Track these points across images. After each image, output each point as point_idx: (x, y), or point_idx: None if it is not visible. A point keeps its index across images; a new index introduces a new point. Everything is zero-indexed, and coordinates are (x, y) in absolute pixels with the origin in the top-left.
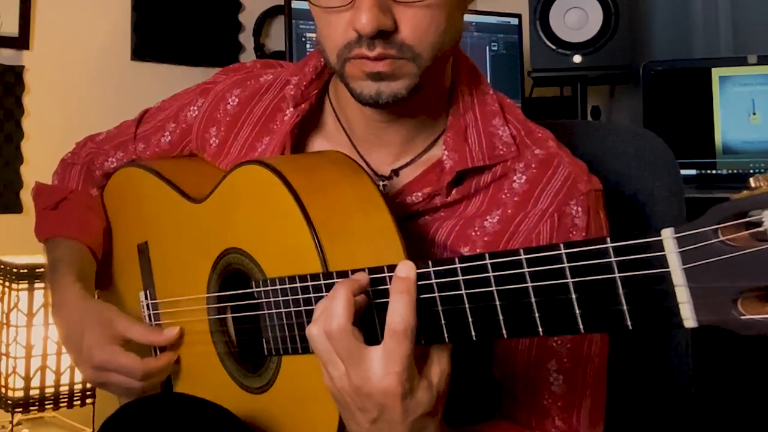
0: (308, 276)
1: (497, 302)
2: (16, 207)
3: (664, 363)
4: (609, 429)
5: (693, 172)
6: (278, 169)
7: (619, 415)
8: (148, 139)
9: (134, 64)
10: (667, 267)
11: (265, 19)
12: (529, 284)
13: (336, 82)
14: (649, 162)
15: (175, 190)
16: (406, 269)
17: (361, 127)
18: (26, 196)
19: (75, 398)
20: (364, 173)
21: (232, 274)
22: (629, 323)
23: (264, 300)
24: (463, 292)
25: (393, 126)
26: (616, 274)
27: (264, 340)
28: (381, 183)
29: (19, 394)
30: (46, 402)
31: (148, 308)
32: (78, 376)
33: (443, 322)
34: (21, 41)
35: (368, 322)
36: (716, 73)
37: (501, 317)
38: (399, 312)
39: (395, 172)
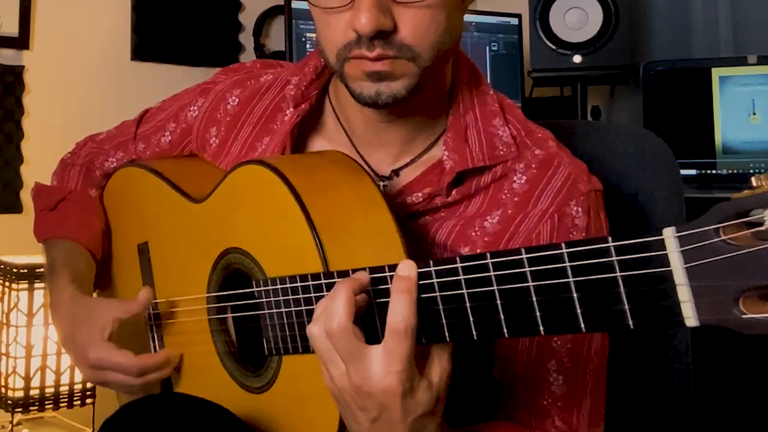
0: (309, 276)
1: (498, 301)
2: (16, 207)
3: (664, 363)
4: (609, 429)
5: (693, 172)
6: (279, 168)
7: (619, 415)
8: (149, 139)
9: (134, 64)
10: (669, 266)
11: (265, 19)
12: (531, 283)
13: (336, 82)
14: (649, 162)
15: (175, 189)
16: (407, 268)
17: (361, 128)
18: (26, 196)
19: (75, 398)
20: (365, 173)
21: (233, 273)
22: (630, 322)
23: (264, 300)
24: (464, 291)
25: (393, 126)
26: (618, 274)
27: (264, 340)
28: (381, 183)
29: (19, 394)
30: (46, 402)
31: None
32: (78, 376)
33: (444, 321)
34: (21, 41)
35: (369, 321)
36: (716, 73)
37: (502, 316)
38: (400, 311)
39: (395, 173)
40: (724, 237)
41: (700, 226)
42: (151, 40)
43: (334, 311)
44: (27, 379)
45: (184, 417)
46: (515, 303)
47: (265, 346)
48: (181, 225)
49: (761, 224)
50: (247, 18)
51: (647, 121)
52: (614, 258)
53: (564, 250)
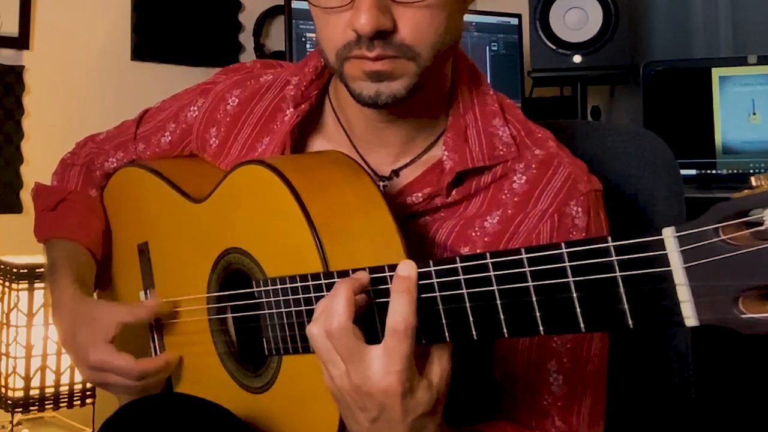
0: (309, 276)
1: (498, 301)
2: (16, 207)
3: (664, 363)
4: (609, 429)
5: (693, 172)
6: (279, 168)
7: (619, 415)
8: (149, 140)
9: (134, 64)
10: (668, 266)
11: (265, 19)
12: (530, 283)
13: (336, 82)
14: (649, 162)
15: (175, 190)
16: (407, 268)
17: (361, 128)
18: (26, 196)
19: (75, 398)
20: (365, 173)
21: (233, 273)
22: (630, 322)
23: (264, 300)
24: (464, 291)
25: (393, 126)
26: (617, 273)
27: (264, 340)
28: (381, 183)
29: (19, 394)
30: (46, 402)
31: None
32: (78, 376)
33: (444, 321)
34: (21, 41)
35: (369, 321)
36: (716, 73)
37: (502, 316)
38: (400, 311)
39: (395, 173)
40: (723, 237)
41: (700, 226)
42: (151, 40)
43: (333, 311)
44: (27, 379)
45: (184, 417)
46: (515, 303)
47: (265, 346)
48: (181, 225)
49: (761, 224)
50: (247, 18)
51: (647, 121)
52: (614, 258)
53: (564, 250)
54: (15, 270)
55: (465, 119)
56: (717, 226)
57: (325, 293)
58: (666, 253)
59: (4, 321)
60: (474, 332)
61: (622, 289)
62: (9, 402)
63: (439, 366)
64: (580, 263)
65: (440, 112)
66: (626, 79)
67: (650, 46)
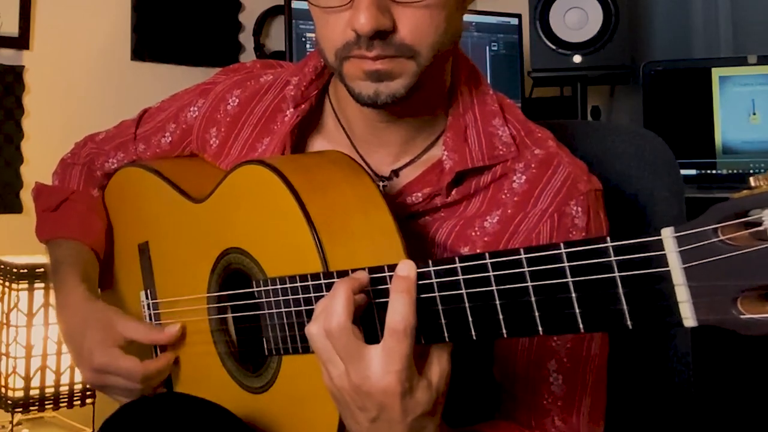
0: (308, 276)
1: (497, 301)
2: (16, 207)
3: (664, 363)
4: (609, 429)
5: (693, 172)
6: (279, 168)
7: (619, 415)
8: (149, 140)
9: (134, 64)
10: (667, 266)
11: (265, 19)
12: (529, 283)
13: (336, 82)
14: (649, 162)
15: (175, 190)
16: (407, 268)
17: (360, 128)
18: (26, 196)
19: (75, 398)
20: (365, 173)
21: (233, 273)
22: (629, 322)
23: (264, 300)
24: (463, 291)
25: (392, 126)
26: (616, 274)
27: (264, 340)
28: (381, 183)
29: (19, 394)
30: (46, 402)
31: (148, 308)
32: (78, 376)
33: (443, 321)
34: (21, 41)
35: (368, 321)
36: (716, 73)
37: (501, 316)
38: (399, 311)
39: (395, 173)
40: (722, 237)
41: (699, 226)
42: (151, 40)
43: (333, 310)
44: (27, 379)
45: (184, 417)
46: (514, 303)
47: (265, 346)
48: (182, 225)
49: (760, 224)
50: (247, 18)
51: (647, 121)
52: (613, 258)
53: (563, 250)
54: (15, 270)
55: (465, 119)
56: (716, 226)
57: (324, 293)
58: (665, 254)
59: (4, 321)
60: (473, 332)
61: (620, 290)
62: (9, 402)
63: (438, 366)
64: (579, 263)
65: (440, 112)
66: (626, 79)
67: (650, 46)
